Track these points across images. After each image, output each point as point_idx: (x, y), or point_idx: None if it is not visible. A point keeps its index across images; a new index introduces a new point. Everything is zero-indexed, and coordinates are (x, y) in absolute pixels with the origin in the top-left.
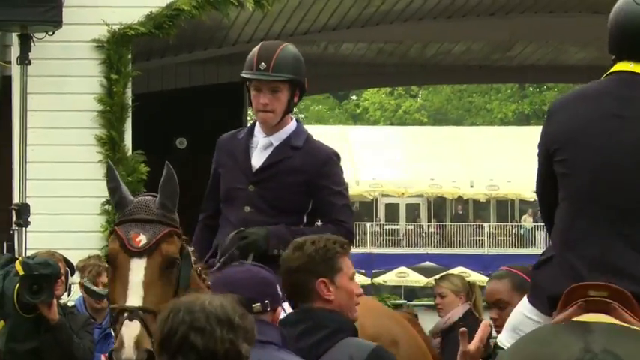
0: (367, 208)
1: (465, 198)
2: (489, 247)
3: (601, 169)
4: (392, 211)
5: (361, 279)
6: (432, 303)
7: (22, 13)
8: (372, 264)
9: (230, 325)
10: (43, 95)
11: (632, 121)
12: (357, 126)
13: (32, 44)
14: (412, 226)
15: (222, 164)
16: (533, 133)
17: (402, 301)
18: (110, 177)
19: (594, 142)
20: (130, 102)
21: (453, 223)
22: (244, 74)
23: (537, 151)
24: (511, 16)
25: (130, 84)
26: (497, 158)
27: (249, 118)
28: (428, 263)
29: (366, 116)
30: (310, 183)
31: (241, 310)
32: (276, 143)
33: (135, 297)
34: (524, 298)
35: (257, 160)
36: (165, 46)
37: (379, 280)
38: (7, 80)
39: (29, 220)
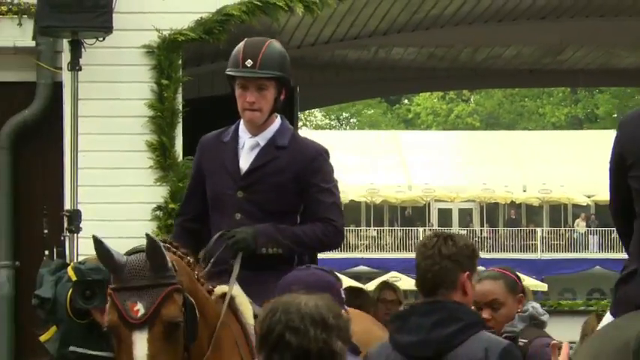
0: (419, 213)
1: (517, 202)
2: (542, 251)
3: None
4: (444, 216)
5: (412, 284)
6: None
7: (72, 19)
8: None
9: (324, 324)
10: (94, 101)
11: None
12: (409, 130)
13: (83, 50)
14: (465, 231)
15: (206, 167)
16: (586, 137)
17: None
18: (98, 250)
19: None
20: (180, 107)
21: (505, 228)
22: (229, 72)
23: (609, 165)
24: (562, 19)
25: (180, 89)
26: (550, 162)
27: (300, 123)
28: (481, 268)
29: (417, 121)
30: (300, 181)
31: (336, 310)
32: (262, 143)
33: None
34: (608, 314)
35: (244, 162)
36: (215, 51)
37: None
38: (58, 86)
39: (80, 226)
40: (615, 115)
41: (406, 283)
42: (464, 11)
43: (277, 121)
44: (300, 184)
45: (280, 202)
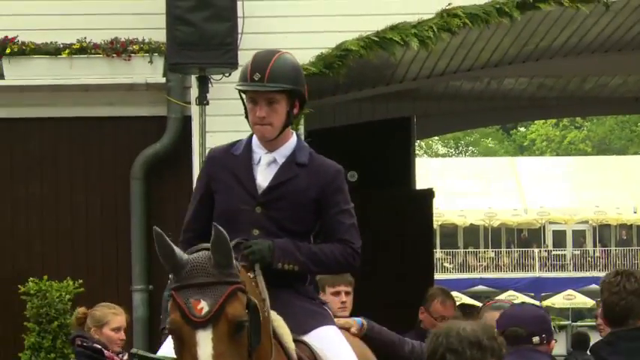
0: (535, 235)
1: (628, 223)
2: None
3: None
4: (559, 237)
5: (530, 302)
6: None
7: (199, 56)
8: (540, 287)
9: (479, 346)
10: (221, 134)
11: None
12: (525, 157)
13: (210, 85)
14: (578, 251)
15: (217, 180)
16: None
17: (567, 322)
18: (159, 243)
19: None
20: (302, 137)
21: (617, 248)
22: (238, 86)
23: None
24: None
25: (302, 121)
26: None
27: (417, 152)
28: (594, 286)
29: (533, 147)
30: (321, 201)
31: (490, 333)
32: (280, 160)
33: None
34: None
35: (263, 178)
36: (335, 84)
37: (547, 302)
38: (187, 120)
39: None
40: None
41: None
42: (572, 43)
43: (294, 138)
44: (319, 204)
45: (299, 220)
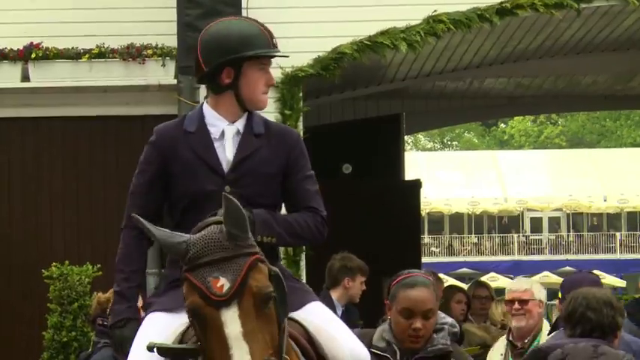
0: (514, 222)
1: (599, 211)
2: (621, 253)
3: None
4: (536, 224)
5: (507, 282)
6: None
7: None
8: (519, 270)
9: (611, 306)
10: None
11: None
12: (505, 150)
13: None
14: (554, 236)
15: (175, 161)
16: None
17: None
18: (147, 229)
19: None
20: (301, 134)
21: (589, 233)
22: (261, 52)
23: None
24: (631, 51)
25: (301, 118)
26: (628, 176)
27: (406, 146)
28: (568, 268)
29: (512, 142)
30: (286, 169)
31: (616, 298)
32: (242, 131)
33: (240, 355)
34: None
35: (228, 154)
36: (331, 85)
37: None
38: None
39: None
40: None
41: (503, 282)
42: (546, 45)
43: None
44: (284, 172)
45: (269, 194)
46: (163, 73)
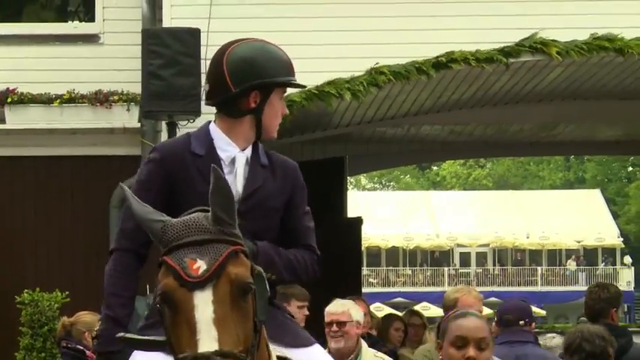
0: (445, 256)
1: (522, 247)
2: (542, 285)
3: None
4: (465, 258)
5: (439, 312)
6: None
7: (169, 105)
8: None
9: (603, 338)
10: None
11: None
12: (437, 191)
13: (177, 130)
14: (481, 270)
15: (182, 180)
16: (576, 195)
17: None
18: (127, 198)
19: None
20: None
21: (513, 267)
22: (285, 79)
23: None
24: (555, 102)
25: None
26: (549, 215)
27: (349, 186)
28: (493, 299)
29: (444, 183)
30: (288, 203)
31: (607, 332)
32: (250, 160)
33: (208, 340)
34: None
35: (238, 183)
36: (282, 129)
37: None
38: None
39: None
40: (599, 178)
41: (435, 311)
42: (477, 97)
43: None
44: (286, 206)
45: (273, 228)
46: (128, 117)
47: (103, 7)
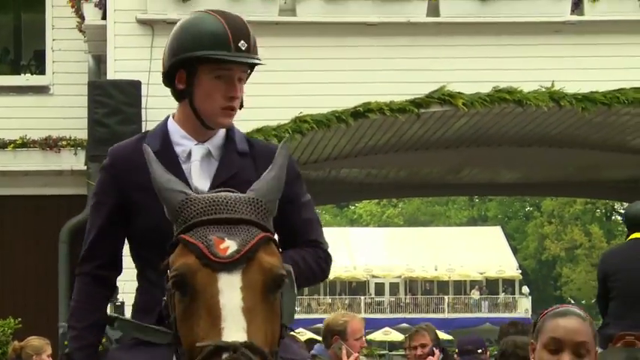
0: (362, 286)
1: (430, 278)
2: (449, 312)
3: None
4: (379, 288)
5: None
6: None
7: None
8: (365, 326)
9: (526, 349)
10: None
11: None
12: (354, 227)
13: None
14: (394, 299)
15: (135, 189)
16: (480, 232)
17: (385, 352)
18: (149, 161)
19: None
20: None
21: (422, 296)
22: (214, 54)
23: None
24: (460, 148)
25: None
26: (454, 250)
27: None
28: (405, 325)
29: (360, 220)
30: (281, 197)
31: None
32: (216, 152)
33: (235, 329)
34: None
35: (200, 179)
36: None
37: (370, 337)
38: None
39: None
40: (500, 217)
41: None
42: (391, 143)
43: None
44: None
45: None
46: (75, 161)
47: (53, 62)
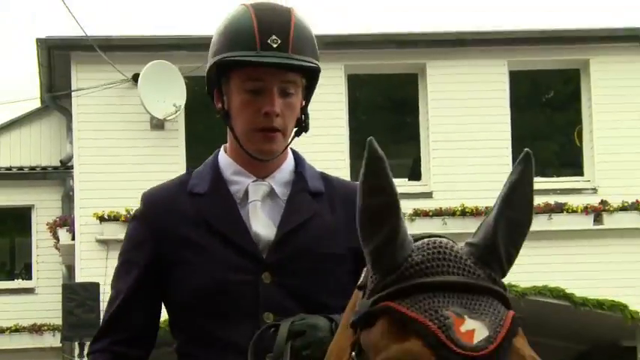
0: None
1: None
2: None
3: None
4: None
5: None
6: None
7: (81, 332)
8: None
9: None
10: None
11: None
12: None
13: (85, 348)
14: None
15: (171, 241)
16: None
17: None
18: (383, 173)
19: None
20: None
21: None
22: (234, 56)
23: None
24: None
25: None
26: None
27: None
28: None
29: None
30: (359, 247)
31: None
32: (281, 190)
33: None
34: None
35: (262, 225)
36: None
37: None
38: None
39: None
40: None
41: None
42: None
43: (289, 153)
44: (358, 252)
45: (332, 287)
46: (53, 341)
47: (37, 270)
